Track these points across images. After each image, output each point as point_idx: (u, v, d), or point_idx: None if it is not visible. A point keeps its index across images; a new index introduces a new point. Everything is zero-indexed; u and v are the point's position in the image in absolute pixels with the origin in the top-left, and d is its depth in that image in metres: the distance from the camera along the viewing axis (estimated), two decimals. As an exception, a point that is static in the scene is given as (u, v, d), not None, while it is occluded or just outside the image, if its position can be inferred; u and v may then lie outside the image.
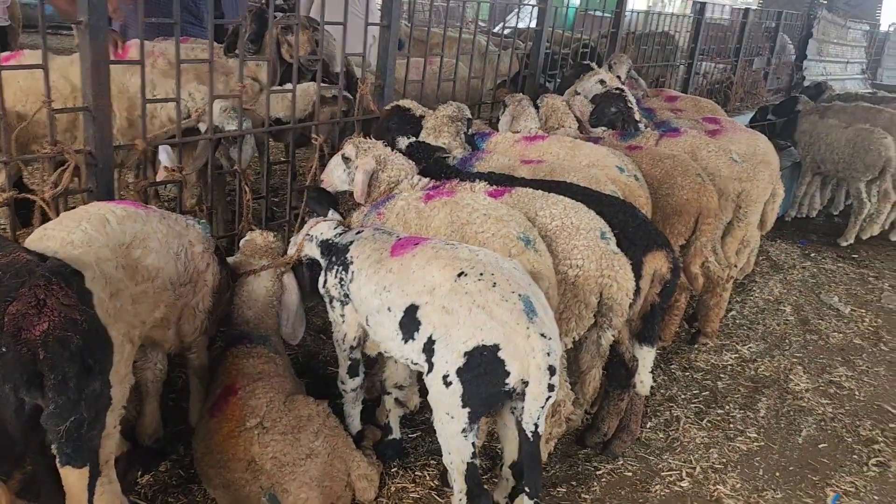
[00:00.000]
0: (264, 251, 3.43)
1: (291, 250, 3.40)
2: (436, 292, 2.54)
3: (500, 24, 11.73)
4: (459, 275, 2.52)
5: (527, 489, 2.62)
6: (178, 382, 3.61)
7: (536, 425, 2.46)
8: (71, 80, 3.95)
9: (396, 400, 3.33)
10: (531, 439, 2.49)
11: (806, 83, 10.76)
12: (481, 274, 2.49)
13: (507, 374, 2.41)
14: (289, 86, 4.37)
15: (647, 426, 3.96)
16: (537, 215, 3.10)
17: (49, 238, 2.33)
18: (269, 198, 4.51)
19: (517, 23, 9.32)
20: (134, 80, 3.93)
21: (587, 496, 3.38)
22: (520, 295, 2.44)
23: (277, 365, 3.15)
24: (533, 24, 6.63)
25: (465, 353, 2.43)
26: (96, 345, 2.01)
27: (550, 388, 2.40)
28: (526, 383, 2.42)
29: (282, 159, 6.10)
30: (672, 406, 4.18)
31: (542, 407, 2.43)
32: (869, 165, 7.00)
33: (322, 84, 4.43)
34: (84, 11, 3.18)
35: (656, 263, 3.21)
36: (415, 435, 3.61)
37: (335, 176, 3.67)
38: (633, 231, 3.23)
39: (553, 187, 3.44)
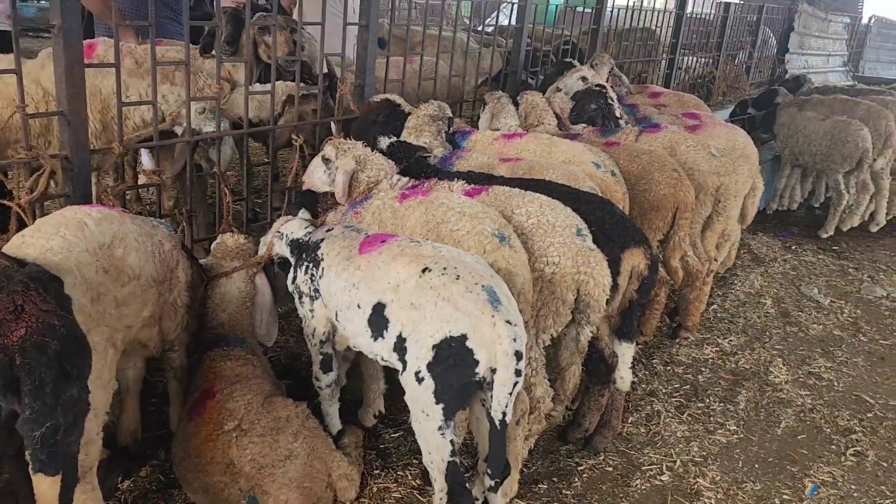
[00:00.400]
0: (235, 253, 3.43)
1: (262, 250, 3.41)
2: (401, 289, 2.59)
3: (482, 24, 11.72)
4: (424, 270, 2.57)
5: (489, 471, 2.68)
6: (159, 387, 3.60)
7: (504, 413, 2.51)
8: (42, 84, 3.91)
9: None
10: (499, 427, 2.53)
11: (788, 76, 10.83)
12: (444, 268, 2.55)
13: (476, 363, 2.45)
14: (259, 86, 4.38)
15: (629, 421, 3.99)
16: (514, 213, 3.11)
17: (28, 245, 2.33)
18: (249, 199, 4.50)
19: (497, 20, 9.31)
20: (106, 82, 3.91)
21: (568, 492, 3.41)
22: (483, 286, 2.50)
23: (255, 367, 3.16)
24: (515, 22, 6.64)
25: (434, 347, 2.48)
26: (74, 350, 2.02)
27: (518, 373, 2.46)
28: (494, 371, 2.46)
29: (265, 160, 6.09)
30: (653, 400, 4.22)
31: (510, 393, 2.48)
32: (846, 157, 7.06)
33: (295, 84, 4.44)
34: (57, 15, 3.16)
35: (634, 260, 3.23)
36: (397, 434, 3.62)
37: (316, 177, 3.69)
38: (610, 228, 3.25)
39: (532, 185, 3.47)
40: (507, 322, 2.44)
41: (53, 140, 3.86)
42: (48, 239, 2.35)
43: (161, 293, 2.90)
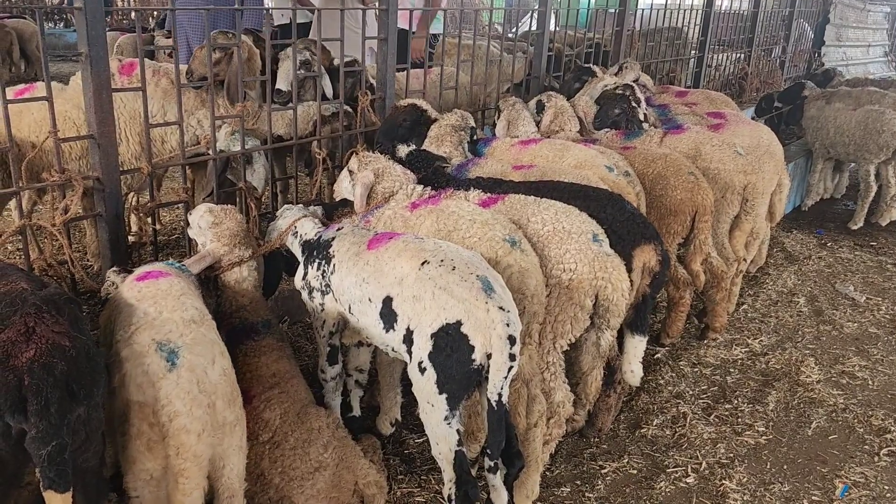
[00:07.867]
0: (244, 237, 3.36)
1: (273, 235, 3.48)
2: (404, 282, 2.70)
3: (515, 30, 11.76)
4: (423, 263, 2.68)
5: (488, 451, 2.73)
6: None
7: (500, 395, 2.57)
8: (84, 108, 4.08)
9: (357, 381, 3.52)
10: (495, 408, 2.59)
11: (819, 70, 10.63)
12: (442, 260, 2.66)
13: (472, 348, 2.52)
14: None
15: (654, 423, 3.98)
16: (529, 221, 3.15)
17: None
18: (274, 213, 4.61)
19: (530, 25, 9.32)
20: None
21: (591, 494, 3.42)
22: (478, 276, 2.59)
23: (288, 359, 3.18)
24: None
25: (432, 336, 2.57)
26: (84, 370, 2.05)
27: (512, 357, 2.52)
28: (490, 356, 2.52)
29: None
30: (679, 402, 4.19)
31: (505, 377, 2.54)
32: (882, 146, 6.88)
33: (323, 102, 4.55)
34: (84, 44, 3.32)
35: (645, 257, 3.25)
36: (421, 440, 3.67)
37: (343, 187, 3.82)
38: (620, 225, 3.27)
39: (542, 185, 3.53)
40: (501, 308, 2.51)
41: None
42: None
43: None
